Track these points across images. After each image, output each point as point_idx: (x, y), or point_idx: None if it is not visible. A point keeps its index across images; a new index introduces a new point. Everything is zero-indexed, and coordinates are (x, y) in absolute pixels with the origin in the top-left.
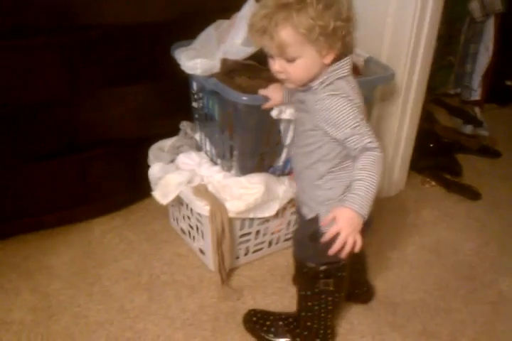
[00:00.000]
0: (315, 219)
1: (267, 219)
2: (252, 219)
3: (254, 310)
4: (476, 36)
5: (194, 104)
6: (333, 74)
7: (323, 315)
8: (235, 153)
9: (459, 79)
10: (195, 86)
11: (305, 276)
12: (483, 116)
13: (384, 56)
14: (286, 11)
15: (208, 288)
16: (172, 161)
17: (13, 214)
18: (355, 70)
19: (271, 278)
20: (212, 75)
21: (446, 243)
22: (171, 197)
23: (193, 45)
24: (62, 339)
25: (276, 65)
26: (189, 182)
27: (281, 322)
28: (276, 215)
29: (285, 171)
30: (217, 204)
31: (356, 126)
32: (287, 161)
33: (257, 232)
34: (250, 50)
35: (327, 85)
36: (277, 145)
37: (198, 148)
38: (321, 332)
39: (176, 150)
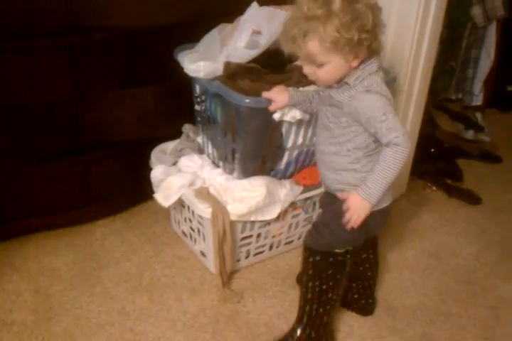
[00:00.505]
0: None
1: (268, 222)
2: (253, 222)
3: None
4: (477, 41)
5: (197, 107)
6: (365, 70)
7: (326, 317)
8: (237, 155)
9: (461, 85)
10: (197, 89)
11: (331, 265)
12: (484, 121)
13: (386, 60)
14: (313, 23)
15: (209, 291)
16: (174, 164)
17: (15, 215)
18: None
19: (272, 281)
20: (215, 78)
21: (446, 247)
22: (173, 199)
23: (196, 48)
24: (63, 340)
25: (305, 69)
26: (191, 184)
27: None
28: (278, 218)
29: (286, 174)
30: (218, 207)
31: (385, 120)
32: (289, 164)
33: (258, 235)
34: (253, 53)
35: (361, 81)
36: (279, 149)
37: (200, 151)
38: (322, 330)
39: (178, 153)
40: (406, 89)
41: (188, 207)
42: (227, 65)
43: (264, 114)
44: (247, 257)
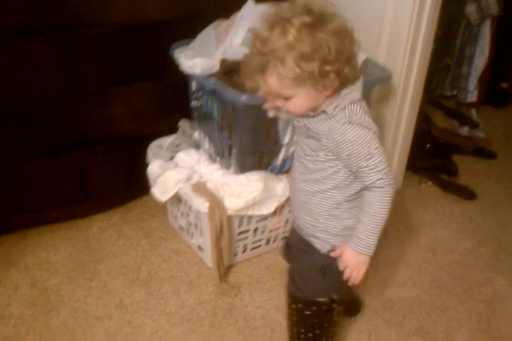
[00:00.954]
0: (329, 252)
1: (265, 217)
2: (250, 217)
3: None
4: (472, 39)
5: (193, 103)
6: (346, 98)
7: None
8: (234, 151)
9: (456, 81)
10: (194, 85)
11: (316, 315)
12: (479, 117)
13: (381, 57)
14: (269, 58)
15: (206, 285)
16: (171, 159)
17: (12, 210)
18: None
19: (268, 275)
20: (212, 75)
21: (443, 242)
22: (170, 194)
23: (191, 45)
24: (61, 333)
25: (274, 102)
26: (188, 179)
27: None
28: (275, 213)
29: (283, 170)
30: (216, 202)
31: (370, 158)
32: (285, 160)
33: (255, 230)
34: (257, 29)
35: (341, 110)
36: (275, 144)
37: (197, 146)
38: None
39: (175, 148)
40: (401, 86)
41: (186, 201)
42: (223, 61)
43: (260, 110)
44: (244, 251)
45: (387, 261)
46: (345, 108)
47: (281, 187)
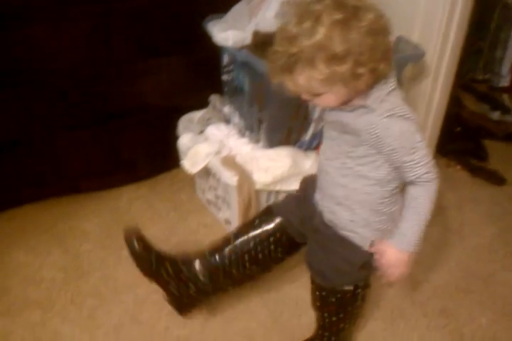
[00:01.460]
0: (371, 247)
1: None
2: (277, 192)
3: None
4: (507, 22)
5: (224, 77)
6: (383, 89)
7: (351, 329)
8: (263, 125)
9: (489, 66)
10: (226, 59)
11: (340, 300)
12: (511, 102)
13: (415, 36)
14: (296, 59)
15: None
16: (201, 132)
17: (47, 178)
18: None
19: None
20: (244, 47)
21: (469, 226)
22: (200, 166)
23: (225, 18)
24: (92, 297)
25: (302, 95)
26: (218, 152)
27: None
28: None
29: (312, 146)
30: (244, 176)
31: (414, 152)
32: (314, 136)
33: None
34: (283, 22)
35: (381, 103)
36: (305, 120)
37: (227, 121)
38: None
39: (206, 122)
40: (434, 65)
41: (214, 174)
42: (256, 34)
43: None
44: None
45: None
46: (384, 100)
47: (309, 163)
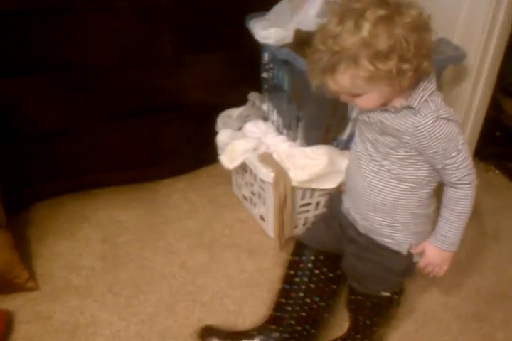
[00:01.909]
0: (409, 252)
1: (328, 192)
2: (313, 190)
3: None
4: None
5: (264, 75)
6: (426, 89)
7: (383, 332)
8: (301, 123)
9: None
10: (266, 56)
11: (375, 305)
12: None
13: (456, 38)
14: (341, 57)
15: (266, 253)
16: (239, 129)
17: (89, 168)
18: None
19: None
20: (285, 45)
21: (506, 231)
22: (237, 162)
23: (267, 16)
24: (128, 286)
25: (341, 97)
26: (255, 149)
27: None
28: None
29: (349, 145)
30: (281, 172)
31: (457, 154)
32: (352, 135)
33: (318, 203)
34: (324, 22)
35: (425, 103)
36: (343, 119)
37: (265, 118)
38: None
39: (244, 119)
40: (476, 67)
41: (251, 171)
42: (297, 32)
43: None
44: (304, 224)
45: None
46: (427, 101)
47: (345, 162)
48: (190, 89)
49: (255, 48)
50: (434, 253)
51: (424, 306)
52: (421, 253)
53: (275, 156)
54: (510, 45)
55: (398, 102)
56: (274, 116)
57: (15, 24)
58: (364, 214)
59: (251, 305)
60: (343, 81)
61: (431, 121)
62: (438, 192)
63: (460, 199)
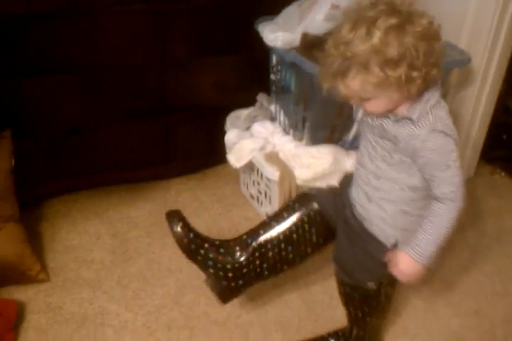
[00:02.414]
0: (393, 246)
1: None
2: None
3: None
4: None
5: (272, 77)
6: (428, 102)
7: (379, 324)
8: (307, 124)
9: None
10: (274, 59)
11: (363, 296)
12: None
13: (463, 41)
14: (352, 62)
15: None
16: (247, 129)
17: (102, 167)
18: None
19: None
20: (292, 48)
21: (509, 232)
22: (244, 161)
23: (276, 20)
24: (136, 279)
25: (350, 101)
26: (262, 148)
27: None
28: None
29: (354, 145)
30: (286, 171)
31: (446, 169)
32: (357, 136)
33: None
34: (330, 26)
35: (425, 116)
36: (348, 120)
37: (272, 119)
38: (377, 340)
39: (252, 119)
40: (482, 71)
41: (258, 170)
42: (305, 36)
43: None
44: None
45: (451, 245)
46: (428, 113)
47: (350, 162)
48: (201, 90)
49: (264, 51)
50: (406, 262)
51: (426, 302)
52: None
53: (281, 155)
54: None
55: (402, 110)
56: (281, 117)
57: (38, 28)
58: (361, 203)
59: (254, 299)
60: (353, 85)
61: (426, 133)
62: None
63: (441, 214)
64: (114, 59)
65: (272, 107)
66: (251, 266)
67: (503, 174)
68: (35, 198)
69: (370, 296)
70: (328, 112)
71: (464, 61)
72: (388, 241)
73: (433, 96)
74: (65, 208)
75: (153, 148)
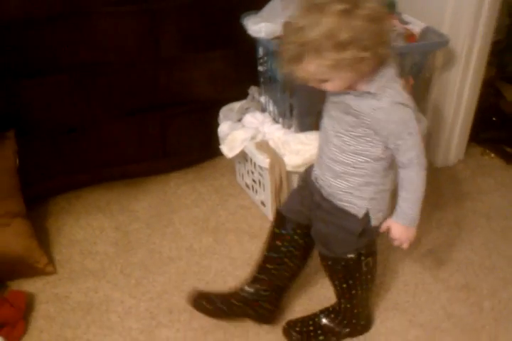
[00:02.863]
0: (365, 216)
1: None
2: None
3: (290, 321)
4: None
5: (260, 68)
6: (385, 76)
7: (365, 296)
8: (295, 111)
9: None
10: (261, 51)
11: (345, 268)
12: None
13: (445, 25)
14: (306, 48)
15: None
16: (239, 120)
17: (99, 163)
18: (411, 38)
19: None
20: (275, 37)
21: (498, 209)
22: (237, 151)
23: (260, 14)
24: (139, 269)
25: (309, 82)
26: (253, 138)
27: (324, 321)
28: None
29: None
30: (276, 158)
31: (408, 138)
32: None
33: None
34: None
35: (383, 89)
36: None
37: (263, 110)
38: (366, 312)
39: (244, 111)
40: (464, 53)
41: (251, 159)
42: (286, 24)
43: None
44: None
45: (441, 223)
46: (386, 87)
47: None
48: (194, 85)
49: (252, 45)
50: (400, 230)
51: (416, 279)
52: (380, 221)
53: (271, 143)
54: (509, 35)
55: (361, 86)
56: (271, 107)
57: (34, 31)
58: (328, 181)
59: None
60: (309, 70)
61: (386, 105)
62: None
63: (412, 178)
64: (108, 58)
65: (262, 98)
66: (275, 288)
67: (492, 155)
68: (40, 196)
69: (351, 267)
70: (313, 98)
71: (442, 43)
72: (360, 213)
73: (388, 72)
74: (69, 204)
75: (151, 143)
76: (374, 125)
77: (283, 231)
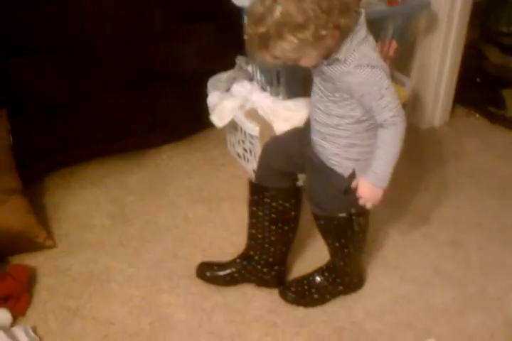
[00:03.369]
0: (351, 175)
1: None
2: None
3: (285, 282)
4: None
5: (246, 37)
6: (353, 41)
7: (357, 255)
8: (282, 79)
9: None
10: (245, 19)
11: (337, 227)
12: None
13: None
14: (267, 37)
15: None
16: (228, 90)
17: (92, 139)
18: (394, 2)
19: None
20: None
21: (483, 168)
22: (226, 120)
23: None
24: (136, 239)
25: (284, 64)
26: (242, 107)
27: (318, 279)
28: None
29: None
30: (265, 125)
31: (381, 98)
32: None
33: None
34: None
35: (351, 53)
36: None
37: (251, 79)
38: (358, 271)
39: (232, 81)
40: (446, 16)
41: (241, 128)
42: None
43: None
44: None
45: (428, 184)
46: (354, 50)
47: None
48: (182, 58)
49: (238, 15)
50: (366, 188)
51: (405, 237)
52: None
53: (260, 111)
54: None
55: (333, 53)
56: (258, 75)
57: (21, 12)
58: (319, 141)
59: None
60: (276, 54)
61: (354, 68)
62: None
63: (387, 138)
64: (96, 36)
65: (250, 68)
66: (271, 254)
67: (477, 115)
68: (35, 174)
69: (343, 226)
70: (298, 66)
71: (424, 6)
72: (346, 172)
73: (356, 35)
74: (64, 180)
75: (142, 118)
76: (346, 89)
77: (255, 197)
